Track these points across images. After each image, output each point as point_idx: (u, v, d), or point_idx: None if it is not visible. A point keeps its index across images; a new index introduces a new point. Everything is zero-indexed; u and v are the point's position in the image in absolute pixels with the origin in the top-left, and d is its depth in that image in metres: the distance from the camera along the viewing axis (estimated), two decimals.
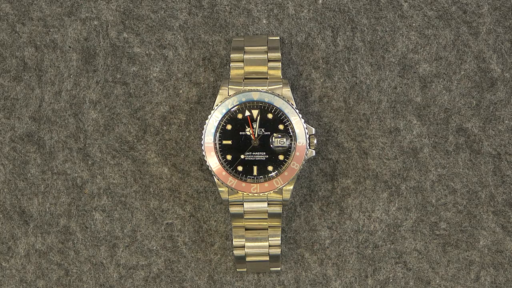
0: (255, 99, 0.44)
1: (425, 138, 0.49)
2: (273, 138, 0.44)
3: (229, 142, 0.44)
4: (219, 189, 0.45)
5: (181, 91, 0.50)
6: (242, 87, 0.45)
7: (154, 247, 0.49)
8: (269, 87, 0.45)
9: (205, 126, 0.44)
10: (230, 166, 0.44)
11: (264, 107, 0.45)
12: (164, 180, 0.49)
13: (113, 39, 0.50)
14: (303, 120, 0.45)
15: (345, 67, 0.50)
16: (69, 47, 0.50)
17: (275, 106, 0.44)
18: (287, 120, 0.44)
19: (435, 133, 0.49)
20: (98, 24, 0.50)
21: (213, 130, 0.44)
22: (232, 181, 0.44)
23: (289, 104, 0.44)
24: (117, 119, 0.50)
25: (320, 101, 0.49)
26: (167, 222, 0.49)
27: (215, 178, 0.45)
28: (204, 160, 0.45)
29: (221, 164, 0.44)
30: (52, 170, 0.49)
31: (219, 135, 0.44)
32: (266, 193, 0.44)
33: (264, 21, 0.50)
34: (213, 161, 0.44)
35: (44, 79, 0.50)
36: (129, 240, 0.49)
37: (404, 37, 0.50)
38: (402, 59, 0.50)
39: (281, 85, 0.45)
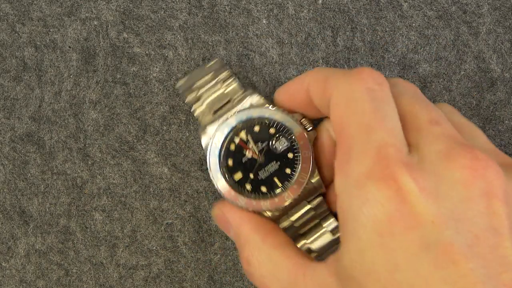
0: (235, 124, 0.43)
1: None
2: (273, 144, 0.43)
3: (240, 175, 0.42)
4: (265, 214, 0.43)
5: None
6: (217, 124, 0.43)
7: (154, 247, 0.49)
8: (238, 106, 0.44)
9: (210, 173, 0.42)
10: (255, 192, 0.42)
11: (248, 125, 0.43)
12: (164, 180, 0.49)
13: (113, 39, 0.50)
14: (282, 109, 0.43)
15: (345, 67, 0.50)
16: (69, 47, 0.50)
17: (255, 117, 0.43)
18: (273, 121, 0.43)
19: None
20: (98, 24, 0.50)
21: (219, 175, 0.42)
22: (265, 204, 0.42)
23: (266, 108, 0.43)
24: (117, 119, 0.50)
25: None
26: (167, 222, 0.49)
27: (264, 213, 0.42)
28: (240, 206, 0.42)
29: (251, 196, 0.42)
30: (52, 170, 0.49)
31: (228, 175, 0.43)
32: (298, 194, 0.42)
33: (264, 21, 0.50)
34: (243, 200, 0.42)
35: (44, 79, 0.50)
36: (129, 240, 0.49)
37: (404, 37, 0.50)
38: (402, 59, 0.50)
39: (248, 97, 0.44)
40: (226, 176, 0.42)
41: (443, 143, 0.33)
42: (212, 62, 0.46)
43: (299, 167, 0.42)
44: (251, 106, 0.43)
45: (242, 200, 0.42)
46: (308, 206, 0.43)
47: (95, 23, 0.50)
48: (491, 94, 0.50)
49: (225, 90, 0.45)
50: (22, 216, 0.49)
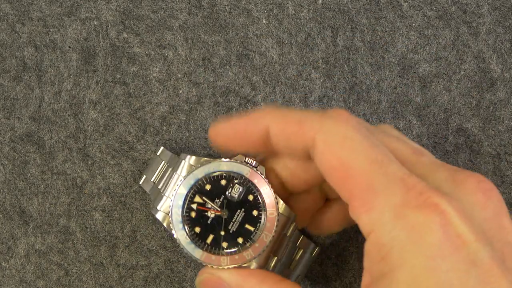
0: (186, 192, 0.41)
1: (425, 138, 0.49)
2: (230, 193, 0.41)
3: (212, 237, 0.41)
4: (252, 265, 0.41)
5: (181, 91, 0.50)
6: (168, 200, 0.42)
7: (154, 247, 0.49)
8: (177, 171, 0.42)
9: (183, 248, 0.41)
10: (233, 247, 0.41)
11: (199, 187, 0.41)
12: None
13: (113, 39, 0.50)
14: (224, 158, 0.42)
15: (345, 67, 0.50)
16: (69, 47, 0.50)
17: (202, 177, 0.41)
18: (220, 174, 0.42)
19: (435, 133, 0.49)
20: (98, 24, 0.50)
21: (192, 246, 0.41)
22: (248, 253, 0.41)
23: (207, 163, 0.42)
24: (117, 119, 0.50)
25: (320, 101, 0.49)
26: None
27: (251, 265, 0.41)
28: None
29: (232, 252, 0.41)
30: (52, 170, 0.49)
31: (200, 242, 0.41)
32: (275, 230, 0.41)
33: (264, 21, 0.50)
34: (226, 259, 0.41)
35: (44, 79, 0.50)
36: (129, 240, 0.49)
37: (404, 37, 0.50)
38: (402, 59, 0.50)
39: (182, 161, 0.42)
40: (199, 244, 0.41)
41: (443, 171, 0.35)
42: (160, 151, 0.45)
43: (264, 204, 0.41)
44: (192, 168, 0.42)
45: (225, 260, 0.41)
46: (289, 240, 0.42)
47: (95, 23, 0.50)
48: (491, 94, 0.50)
49: (164, 164, 0.44)
50: (22, 216, 0.49)
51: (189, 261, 0.49)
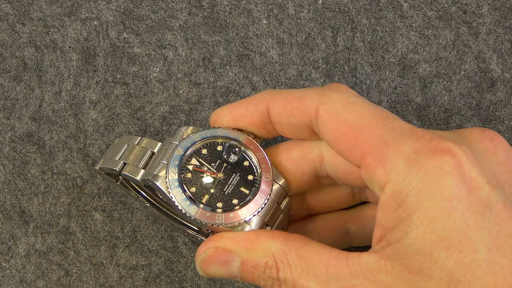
0: (183, 153, 0.41)
1: None
2: (226, 159, 0.42)
3: (207, 197, 0.41)
4: (246, 228, 0.41)
5: (181, 91, 0.50)
6: (164, 167, 0.41)
7: (154, 247, 0.49)
8: (172, 144, 0.42)
9: (179, 206, 0.40)
10: (228, 208, 0.41)
11: (196, 150, 0.42)
12: None
13: (113, 39, 0.50)
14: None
15: (345, 67, 0.50)
16: (69, 47, 0.50)
17: (199, 140, 0.42)
18: (218, 139, 0.42)
19: None
20: (98, 24, 0.50)
21: (188, 203, 0.40)
22: (242, 212, 0.40)
23: (203, 130, 0.42)
24: (117, 119, 0.50)
25: None
26: None
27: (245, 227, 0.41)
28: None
29: (227, 210, 0.41)
30: (52, 170, 0.49)
31: (196, 201, 0.41)
32: (269, 194, 0.41)
33: (264, 21, 0.50)
34: (221, 217, 0.40)
35: (44, 79, 0.50)
36: (129, 240, 0.49)
37: (404, 37, 0.50)
38: (402, 59, 0.50)
39: (179, 132, 0.43)
40: (195, 202, 0.40)
41: (445, 130, 0.36)
42: (119, 139, 0.45)
43: (259, 169, 0.41)
44: (189, 135, 0.42)
45: (220, 218, 0.40)
46: (281, 213, 0.42)
47: (95, 23, 0.50)
48: (491, 94, 0.50)
49: (141, 145, 0.43)
50: (22, 216, 0.49)
51: (189, 261, 0.49)
